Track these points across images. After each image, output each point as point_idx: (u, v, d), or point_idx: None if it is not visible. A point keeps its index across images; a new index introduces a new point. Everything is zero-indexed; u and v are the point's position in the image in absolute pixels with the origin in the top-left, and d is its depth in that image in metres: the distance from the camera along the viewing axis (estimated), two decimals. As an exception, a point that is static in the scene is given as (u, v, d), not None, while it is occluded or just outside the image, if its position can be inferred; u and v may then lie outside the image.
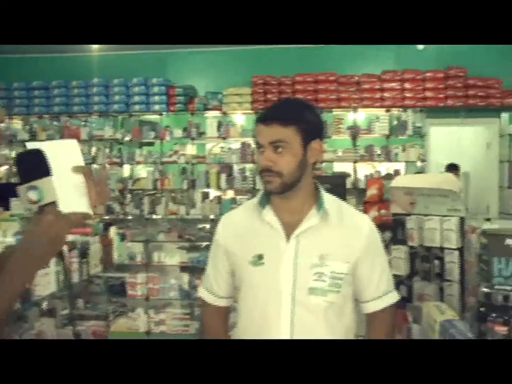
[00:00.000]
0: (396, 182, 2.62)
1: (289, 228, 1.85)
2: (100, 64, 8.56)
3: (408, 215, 2.45)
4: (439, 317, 1.98)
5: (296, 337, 1.79)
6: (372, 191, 3.36)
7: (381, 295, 1.94)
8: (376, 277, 1.92)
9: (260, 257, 1.85)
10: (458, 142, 9.05)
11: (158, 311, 6.88)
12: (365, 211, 3.43)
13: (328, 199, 1.91)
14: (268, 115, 1.83)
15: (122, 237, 4.40)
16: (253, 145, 1.96)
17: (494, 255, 1.88)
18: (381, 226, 3.33)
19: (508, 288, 1.80)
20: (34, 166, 1.23)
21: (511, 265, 1.84)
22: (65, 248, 3.54)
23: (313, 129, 1.84)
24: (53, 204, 1.23)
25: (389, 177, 7.32)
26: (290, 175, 1.80)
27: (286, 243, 1.84)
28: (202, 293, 2.07)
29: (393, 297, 1.99)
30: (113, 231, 4.24)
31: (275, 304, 1.82)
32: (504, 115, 7.90)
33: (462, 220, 2.27)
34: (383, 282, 1.95)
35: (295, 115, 1.82)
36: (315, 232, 1.84)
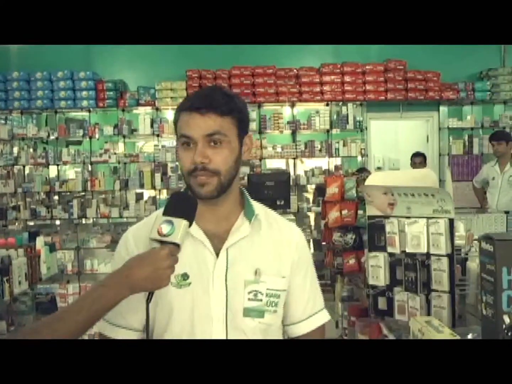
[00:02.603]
0: (371, 180, 2.33)
1: (216, 240, 1.57)
2: (21, 56, 7.92)
3: (387, 217, 2.16)
4: (436, 337, 1.69)
5: None
6: (332, 190, 3.07)
7: (311, 315, 1.71)
8: (306, 295, 1.70)
9: (184, 276, 1.54)
10: (397, 136, 9.03)
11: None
12: (325, 212, 3.15)
13: (256, 206, 1.67)
14: (202, 103, 1.50)
15: (52, 247, 3.92)
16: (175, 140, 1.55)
17: (503, 265, 1.61)
18: (344, 228, 3.06)
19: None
20: (182, 207, 1.39)
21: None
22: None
23: (246, 121, 1.61)
24: (175, 245, 1.34)
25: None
26: (228, 174, 1.53)
27: (215, 258, 1.56)
28: (104, 328, 1.60)
29: (323, 317, 1.74)
30: (40, 241, 3.77)
31: (205, 331, 1.54)
32: (443, 109, 7.91)
33: (451, 222, 2.00)
34: (313, 300, 1.72)
35: (230, 104, 1.53)
36: (247, 243, 1.59)
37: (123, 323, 1.57)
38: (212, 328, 1.54)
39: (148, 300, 1.39)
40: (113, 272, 1.39)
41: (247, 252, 1.58)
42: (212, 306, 1.55)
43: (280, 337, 1.69)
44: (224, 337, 1.54)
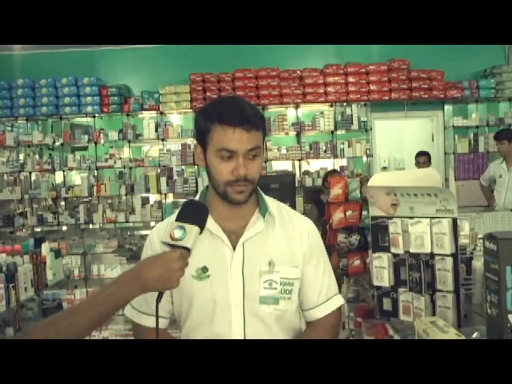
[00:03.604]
0: (373, 181, 2.32)
1: (232, 235, 1.72)
2: (25, 63, 7.95)
3: (390, 218, 2.15)
4: (441, 337, 1.68)
5: None
6: (336, 191, 3.05)
7: (326, 300, 1.85)
8: (320, 282, 1.84)
9: (204, 269, 1.69)
10: (402, 135, 8.99)
11: (100, 329, 6.41)
12: (329, 213, 3.12)
13: (271, 202, 1.82)
14: (245, 119, 1.61)
15: (57, 253, 3.93)
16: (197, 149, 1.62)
17: (507, 264, 1.60)
18: (348, 229, 3.04)
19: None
20: (194, 215, 1.48)
21: (528, 275, 1.57)
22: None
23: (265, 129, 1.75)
24: (185, 250, 1.41)
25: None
26: (257, 181, 1.70)
27: (232, 252, 1.71)
28: (133, 315, 1.78)
29: (338, 301, 1.89)
30: (45, 247, 3.77)
31: (225, 318, 1.70)
32: (448, 107, 7.88)
33: (454, 222, 1.99)
34: (327, 287, 1.86)
35: (262, 119, 1.70)
36: (262, 237, 1.74)
37: (149, 311, 1.71)
38: (231, 315, 1.68)
39: (158, 300, 1.46)
40: (127, 271, 1.48)
41: (261, 245, 1.72)
42: (230, 295, 1.68)
43: (296, 322, 1.83)
44: (241, 323, 1.68)
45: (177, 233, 1.41)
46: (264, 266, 1.71)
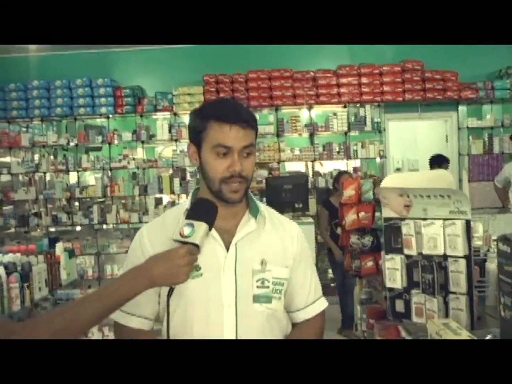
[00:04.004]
0: (386, 182, 2.31)
1: (225, 235, 1.73)
2: (40, 65, 8.02)
3: (403, 219, 2.15)
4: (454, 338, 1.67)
5: None
6: (349, 192, 3.04)
7: (313, 302, 1.89)
8: (308, 284, 1.88)
9: (197, 268, 1.66)
10: (416, 136, 8.94)
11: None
12: (342, 214, 3.12)
13: (260, 203, 1.85)
14: (242, 117, 1.67)
15: (71, 253, 3.96)
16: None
17: (520, 265, 1.58)
18: (361, 230, 3.03)
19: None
20: (204, 213, 1.53)
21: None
22: (2, 272, 3.10)
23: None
24: (194, 246, 1.46)
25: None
26: (250, 180, 1.74)
27: (225, 251, 1.72)
28: (119, 317, 1.72)
29: (322, 303, 1.93)
30: (59, 247, 3.80)
31: (217, 317, 1.70)
32: (462, 108, 7.82)
33: (468, 223, 1.97)
34: (313, 289, 1.90)
35: (255, 118, 1.74)
36: (254, 237, 1.76)
37: (137, 312, 1.72)
38: (223, 314, 1.69)
39: (169, 294, 1.52)
40: (134, 267, 1.51)
41: (254, 245, 1.74)
42: (223, 294, 1.69)
43: (284, 320, 1.84)
44: (234, 322, 1.69)
45: (186, 230, 1.46)
46: (257, 265, 1.73)
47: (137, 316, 1.73)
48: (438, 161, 6.87)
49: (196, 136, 1.69)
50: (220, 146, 1.64)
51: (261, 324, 1.74)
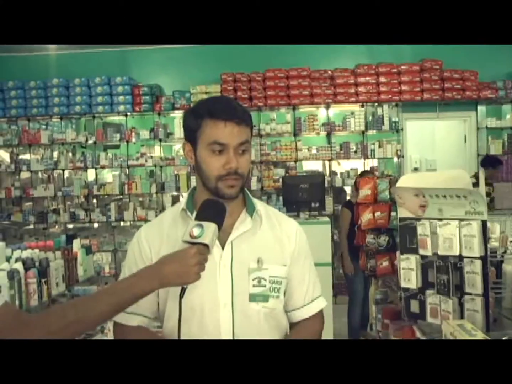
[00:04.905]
0: (402, 182, 2.30)
1: (221, 233, 1.65)
2: (59, 63, 8.11)
3: (419, 219, 2.14)
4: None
5: None
6: (365, 192, 3.03)
7: (311, 301, 1.85)
8: (306, 282, 1.85)
9: None
10: (434, 136, 8.87)
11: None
12: (358, 213, 3.11)
13: (257, 201, 1.83)
14: (236, 114, 1.66)
15: (88, 250, 3.99)
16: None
17: (537, 267, 1.57)
18: (377, 230, 3.02)
19: None
20: (212, 213, 1.53)
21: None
22: (20, 267, 3.13)
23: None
24: (203, 246, 1.47)
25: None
26: (246, 177, 1.72)
27: (221, 250, 1.71)
28: (121, 317, 1.71)
29: (321, 302, 1.89)
30: (76, 244, 3.84)
31: (213, 316, 1.69)
32: (481, 108, 7.75)
33: (484, 224, 1.96)
34: (312, 288, 1.86)
35: (250, 115, 1.74)
36: (250, 236, 1.74)
37: (137, 310, 1.71)
38: (220, 313, 1.68)
39: (181, 295, 1.53)
40: (147, 266, 1.55)
41: (250, 243, 1.73)
42: (219, 293, 1.69)
43: (284, 322, 1.82)
44: (230, 321, 1.68)
45: (196, 231, 1.48)
46: (253, 263, 1.71)
47: (136, 315, 1.73)
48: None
49: (191, 135, 1.69)
50: (215, 143, 1.63)
51: (258, 324, 1.72)
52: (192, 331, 1.69)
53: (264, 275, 1.72)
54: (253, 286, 1.71)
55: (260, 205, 1.82)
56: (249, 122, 1.70)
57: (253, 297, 1.71)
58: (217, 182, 1.66)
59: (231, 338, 1.68)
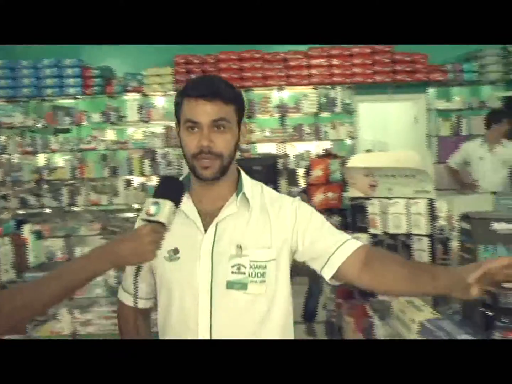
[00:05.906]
0: (352, 162, 2.33)
1: (208, 218, 1.70)
2: (5, 46, 7.82)
3: (369, 198, 2.18)
4: (417, 316, 1.71)
5: (216, 335, 1.65)
6: (317, 172, 3.08)
7: (343, 243, 1.70)
8: (326, 228, 1.75)
9: (175, 251, 1.69)
10: (386, 118, 9.01)
11: (84, 311, 6.40)
12: (310, 194, 3.15)
13: (248, 183, 1.78)
14: (209, 90, 1.61)
15: (38, 235, 3.91)
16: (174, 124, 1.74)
17: (479, 243, 1.62)
18: (329, 210, 3.07)
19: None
20: (169, 190, 1.52)
21: (500, 253, 1.59)
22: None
23: (243, 109, 1.73)
24: (160, 224, 1.46)
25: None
26: (228, 157, 1.66)
27: (203, 235, 1.69)
28: (121, 295, 1.88)
29: (355, 243, 1.73)
30: (27, 229, 3.76)
31: (193, 302, 1.67)
32: (431, 90, 7.90)
33: (431, 202, 2.01)
34: (338, 232, 1.76)
35: (232, 92, 1.67)
36: (234, 220, 1.70)
37: (131, 290, 1.72)
38: (198, 299, 1.66)
39: (136, 274, 1.52)
40: (98, 246, 1.51)
41: (233, 228, 1.68)
42: (199, 279, 1.66)
43: (273, 304, 1.71)
44: (208, 308, 1.65)
45: (152, 209, 1.46)
46: (233, 249, 1.67)
47: (130, 294, 1.77)
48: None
49: (176, 115, 1.69)
50: (188, 121, 1.62)
51: (236, 311, 1.67)
52: (173, 317, 1.71)
53: (244, 262, 1.66)
54: (232, 273, 1.66)
55: (252, 185, 1.77)
56: (227, 99, 1.63)
57: (230, 284, 1.66)
58: (192, 160, 1.64)
59: (208, 325, 1.65)
